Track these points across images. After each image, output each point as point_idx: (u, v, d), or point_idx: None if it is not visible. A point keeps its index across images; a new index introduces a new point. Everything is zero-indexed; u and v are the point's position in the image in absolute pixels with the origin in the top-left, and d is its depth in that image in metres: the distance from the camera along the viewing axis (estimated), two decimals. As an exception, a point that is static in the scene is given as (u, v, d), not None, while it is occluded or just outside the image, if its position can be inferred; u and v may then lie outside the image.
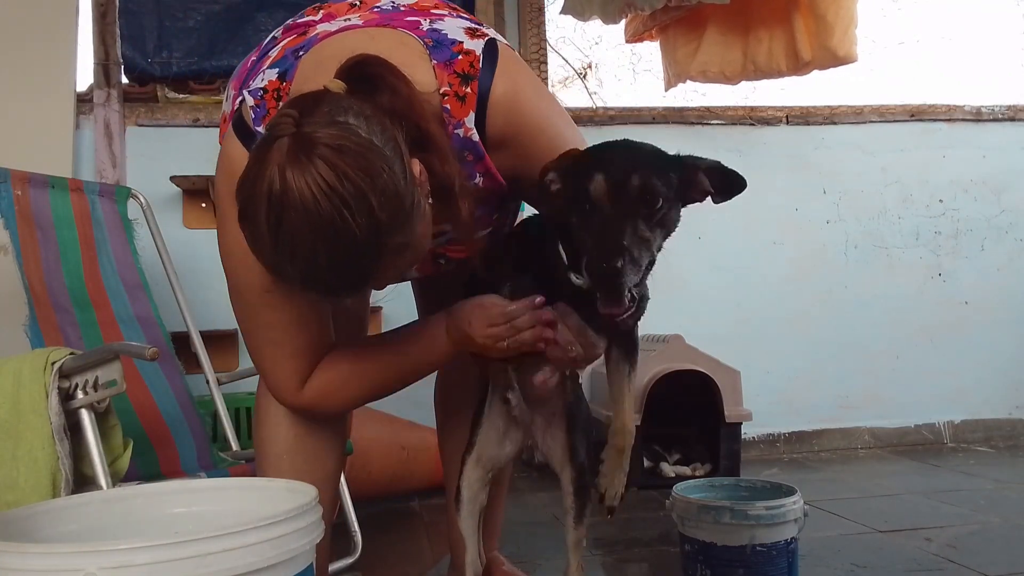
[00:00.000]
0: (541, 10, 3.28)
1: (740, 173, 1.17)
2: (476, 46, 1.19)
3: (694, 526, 1.60)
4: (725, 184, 1.17)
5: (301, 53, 1.22)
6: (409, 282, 1.67)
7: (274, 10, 2.98)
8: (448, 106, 1.17)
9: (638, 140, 1.19)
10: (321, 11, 1.33)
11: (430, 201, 1.12)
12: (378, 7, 1.29)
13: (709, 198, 1.18)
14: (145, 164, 2.87)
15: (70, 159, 2.79)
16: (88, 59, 2.92)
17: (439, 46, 1.19)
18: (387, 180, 1.00)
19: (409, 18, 1.24)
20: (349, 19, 1.26)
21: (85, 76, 2.91)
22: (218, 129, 1.47)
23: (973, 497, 2.44)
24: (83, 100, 2.88)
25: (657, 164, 1.12)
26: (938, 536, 2.03)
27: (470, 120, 1.18)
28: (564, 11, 3.17)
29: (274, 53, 1.25)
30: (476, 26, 1.25)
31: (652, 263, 1.14)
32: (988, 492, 2.52)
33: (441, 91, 1.17)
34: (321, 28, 1.25)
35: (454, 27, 1.23)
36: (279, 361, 1.29)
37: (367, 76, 1.09)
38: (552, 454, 1.40)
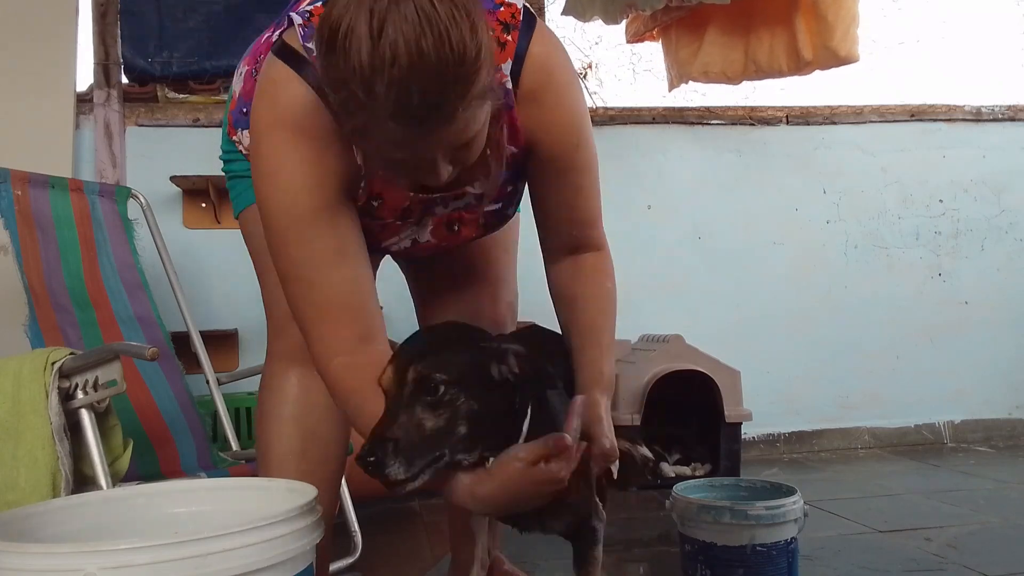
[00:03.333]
0: (541, 10, 3.28)
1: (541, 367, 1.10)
2: (517, 1, 1.21)
3: (694, 526, 1.60)
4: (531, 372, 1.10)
5: None
6: (407, 284, 1.67)
7: (274, 10, 2.97)
8: None
9: (459, 321, 1.17)
10: None
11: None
12: None
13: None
14: (145, 164, 2.87)
15: (70, 159, 2.79)
16: (88, 59, 2.92)
17: None
18: (483, 21, 1.02)
19: None
20: None
21: (85, 76, 2.92)
22: (218, 129, 1.47)
23: (973, 497, 2.44)
24: (83, 100, 2.88)
25: (449, 351, 1.07)
26: (938, 536, 2.03)
27: (506, 67, 1.19)
28: (565, 12, 3.17)
29: None
30: None
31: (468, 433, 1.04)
32: (988, 492, 2.51)
33: None
34: None
35: None
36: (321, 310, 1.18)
37: None
38: None
